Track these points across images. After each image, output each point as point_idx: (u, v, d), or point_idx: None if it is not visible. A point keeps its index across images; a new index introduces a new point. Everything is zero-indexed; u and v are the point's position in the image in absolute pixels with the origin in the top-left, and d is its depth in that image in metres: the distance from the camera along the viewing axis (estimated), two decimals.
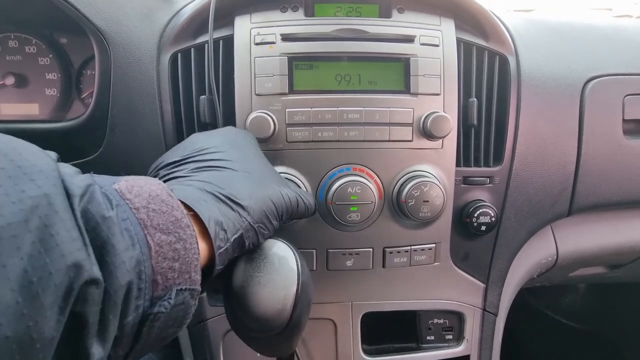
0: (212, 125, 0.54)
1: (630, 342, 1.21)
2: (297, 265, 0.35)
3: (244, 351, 0.57)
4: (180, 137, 0.55)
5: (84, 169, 0.55)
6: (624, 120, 0.65)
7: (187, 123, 0.55)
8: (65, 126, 0.55)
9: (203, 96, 0.53)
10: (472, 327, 0.61)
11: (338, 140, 0.52)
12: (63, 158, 0.55)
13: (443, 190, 0.51)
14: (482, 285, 0.62)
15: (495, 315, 0.63)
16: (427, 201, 0.51)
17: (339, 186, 0.50)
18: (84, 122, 0.54)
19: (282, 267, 0.34)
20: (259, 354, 0.56)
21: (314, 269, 0.55)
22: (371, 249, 0.55)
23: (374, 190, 0.51)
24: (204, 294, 0.58)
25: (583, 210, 0.67)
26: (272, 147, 0.52)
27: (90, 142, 0.55)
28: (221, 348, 0.58)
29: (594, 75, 0.64)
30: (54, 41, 0.66)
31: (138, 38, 0.55)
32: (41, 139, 0.55)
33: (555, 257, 0.70)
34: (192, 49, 0.54)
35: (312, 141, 0.52)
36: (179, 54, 0.55)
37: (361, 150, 0.52)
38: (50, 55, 0.65)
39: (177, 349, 0.62)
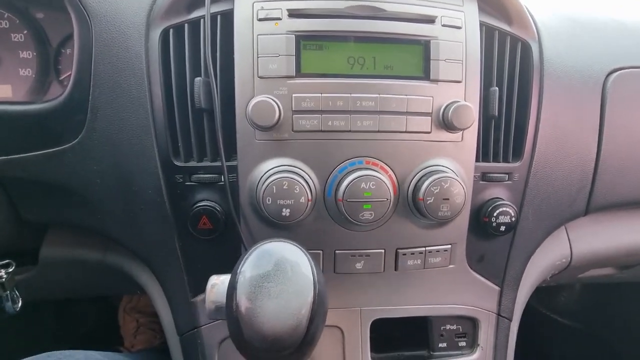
0: (209, 111, 0.48)
1: (624, 340, 1.21)
2: (313, 272, 0.30)
3: None
4: (171, 124, 0.49)
5: (63, 157, 0.49)
6: None
7: (179, 108, 0.49)
8: (40, 108, 0.48)
9: (198, 78, 0.47)
10: (486, 333, 0.57)
11: (350, 131, 0.47)
12: (38, 145, 0.49)
13: (464, 187, 0.47)
14: (497, 288, 0.58)
15: (510, 320, 0.59)
16: (447, 199, 0.46)
17: (351, 181, 0.45)
18: (62, 104, 0.48)
19: (295, 274, 0.29)
20: None
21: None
22: (383, 251, 0.51)
23: (389, 186, 0.46)
24: (198, 299, 0.53)
25: (600, 209, 0.64)
26: (276, 137, 0.47)
27: (68, 127, 0.48)
28: (216, 358, 0.52)
29: (616, 68, 0.61)
30: (29, 16, 0.58)
31: (124, 10, 0.49)
32: (13, 122, 0.49)
33: (569, 258, 0.67)
34: (186, 25, 0.48)
35: (321, 131, 0.46)
36: (171, 30, 0.49)
37: (375, 142, 0.47)
38: (25, 32, 0.58)
39: (168, 359, 0.56)
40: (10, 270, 0.48)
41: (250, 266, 0.30)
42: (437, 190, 0.46)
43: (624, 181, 0.63)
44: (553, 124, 0.56)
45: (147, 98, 0.49)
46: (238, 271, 0.30)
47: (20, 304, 0.50)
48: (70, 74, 0.59)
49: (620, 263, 0.77)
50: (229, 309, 0.30)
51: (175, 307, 0.55)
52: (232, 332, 0.30)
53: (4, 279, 0.47)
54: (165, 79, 0.49)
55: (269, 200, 0.44)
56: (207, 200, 0.50)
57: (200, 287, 0.53)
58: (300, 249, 0.32)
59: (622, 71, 0.61)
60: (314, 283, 0.30)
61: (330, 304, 0.52)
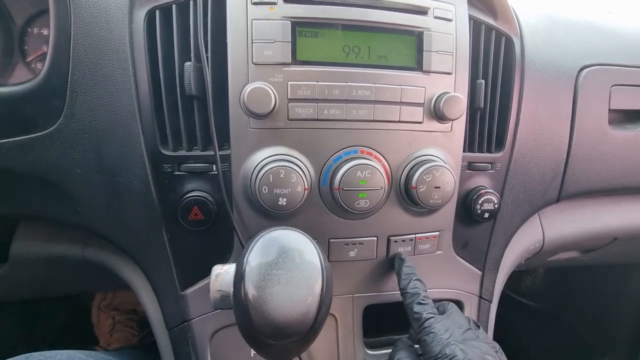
0: (199, 97, 0.46)
1: (582, 319, 1.31)
2: (320, 258, 0.30)
3: (234, 354, 0.52)
4: (159, 111, 0.47)
5: (38, 145, 0.46)
6: (609, 110, 0.67)
7: (167, 94, 0.47)
8: (10, 92, 0.44)
9: (188, 63, 0.45)
10: (469, 315, 0.60)
11: (345, 120, 0.47)
12: (8, 132, 0.45)
13: (454, 175, 0.49)
14: (479, 272, 0.61)
15: (490, 301, 0.63)
16: (439, 187, 0.48)
17: (347, 170, 0.45)
18: (36, 87, 0.44)
19: (303, 262, 0.29)
20: (252, 355, 0.51)
21: None
22: (375, 238, 0.52)
23: (383, 174, 0.47)
24: (188, 292, 0.52)
25: (570, 197, 0.69)
26: (271, 125, 0.46)
27: (44, 113, 0.45)
28: (208, 351, 0.51)
29: (587, 64, 0.65)
30: None
31: None
32: None
33: (542, 242, 0.72)
34: (174, 6, 0.46)
35: (317, 119, 0.46)
36: (157, 11, 0.46)
37: (369, 131, 0.48)
38: None
39: (156, 354, 0.54)
40: None
41: (257, 254, 0.29)
42: (429, 179, 0.47)
43: (590, 171, 0.67)
44: (532, 116, 0.59)
45: (132, 83, 0.46)
46: (245, 260, 0.30)
47: None
48: (38, 55, 0.55)
49: (585, 247, 0.84)
50: (236, 298, 0.29)
51: (163, 301, 0.53)
52: (240, 320, 0.29)
53: None
54: (151, 63, 0.46)
55: (265, 190, 0.44)
56: (197, 190, 0.48)
57: (190, 280, 0.52)
58: (306, 236, 0.32)
59: (592, 68, 0.65)
60: (321, 270, 0.30)
61: None
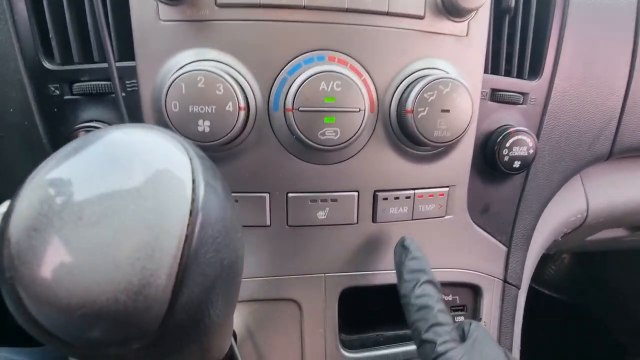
0: None
1: (616, 314, 1.15)
2: (193, 178, 0.15)
3: None
4: (36, 3, 0.32)
5: None
6: None
7: None
8: None
9: None
10: (490, 305, 0.44)
11: (304, 7, 0.31)
12: None
13: (471, 96, 0.32)
14: (504, 248, 0.45)
15: (518, 287, 0.47)
16: (448, 110, 0.32)
17: (306, 79, 0.30)
18: None
19: (152, 183, 0.14)
20: None
21: (267, 224, 0.36)
22: (356, 194, 0.36)
23: (362, 91, 0.31)
24: None
25: (625, 152, 0.52)
26: (192, 15, 0.30)
27: None
28: None
29: None
30: None
31: None
32: None
33: (585, 213, 0.55)
34: None
35: (260, 5, 0.30)
36: None
37: (342, 28, 0.32)
38: None
39: None
40: None
41: (55, 164, 0.14)
42: (433, 98, 0.31)
43: None
44: (581, 36, 0.43)
45: None
46: (30, 177, 0.14)
47: None
48: None
49: (636, 221, 0.66)
50: None
51: None
52: (9, 302, 0.14)
53: None
54: None
55: (175, 107, 0.28)
56: (96, 121, 0.34)
57: None
58: (171, 137, 0.17)
59: None
60: (192, 199, 0.14)
61: (281, 270, 0.38)
